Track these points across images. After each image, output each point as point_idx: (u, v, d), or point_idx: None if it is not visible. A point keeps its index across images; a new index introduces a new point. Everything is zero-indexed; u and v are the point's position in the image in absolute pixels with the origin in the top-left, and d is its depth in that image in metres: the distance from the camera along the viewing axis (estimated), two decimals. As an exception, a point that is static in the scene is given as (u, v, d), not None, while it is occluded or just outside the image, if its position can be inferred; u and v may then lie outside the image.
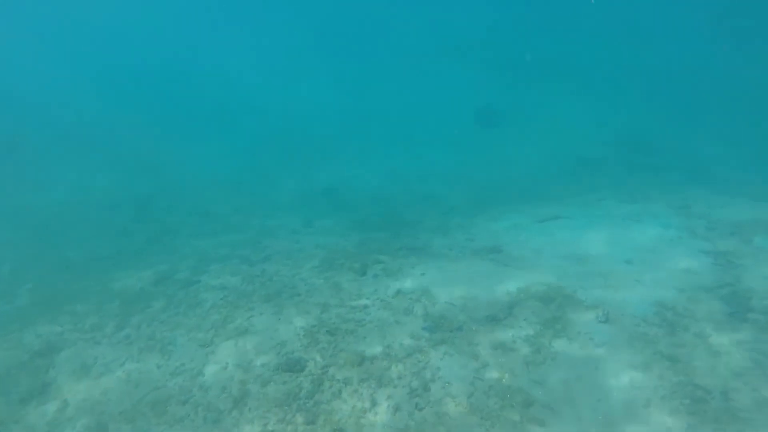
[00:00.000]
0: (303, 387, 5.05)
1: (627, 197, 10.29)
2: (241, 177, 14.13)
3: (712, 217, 8.55)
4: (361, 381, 5.06)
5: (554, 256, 7.43)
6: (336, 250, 8.44)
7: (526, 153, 15.14)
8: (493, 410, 4.61)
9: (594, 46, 22.57)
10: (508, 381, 4.99)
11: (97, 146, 14.54)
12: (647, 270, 6.83)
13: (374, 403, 4.79)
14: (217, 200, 12.55)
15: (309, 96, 19.75)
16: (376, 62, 21.93)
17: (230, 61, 21.79)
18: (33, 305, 7.36)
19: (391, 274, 7.10)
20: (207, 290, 7.14)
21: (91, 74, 18.93)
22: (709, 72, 18.92)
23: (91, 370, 5.61)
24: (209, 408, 4.93)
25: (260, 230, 10.47)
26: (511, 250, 7.75)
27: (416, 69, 21.73)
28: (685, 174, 12.36)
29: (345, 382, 5.06)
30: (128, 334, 6.10)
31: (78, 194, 12.47)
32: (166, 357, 5.70)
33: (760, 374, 4.80)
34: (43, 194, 12.34)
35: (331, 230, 10.28)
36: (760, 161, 12.57)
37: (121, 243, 10.02)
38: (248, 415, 4.79)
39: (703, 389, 4.67)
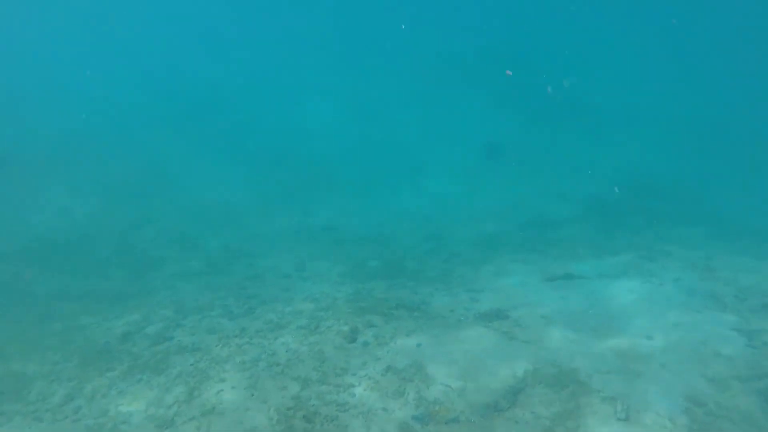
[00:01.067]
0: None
1: (645, 252, 9.51)
2: (238, 205, 13.53)
3: (740, 284, 7.75)
4: (337, 490, 4.28)
5: (566, 326, 6.64)
6: (327, 305, 7.71)
7: (536, 191, 14.46)
8: None
9: (609, 83, 22.07)
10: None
11: (87, 165, 14.04)
12: (672, 350, 6.02)
13: None
14: (208, 231, 11.92)
15: (318, 118, 19.30)
16: (388, 87, 21.53)
17: (236, 76, 21.48)
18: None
19: (383, 343, 6.34)
20: (178, 351, 6.41)
21: (83, 86, 18.62)
22: (737, 114, 18.29)
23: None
24: None
25: (249, 273, 9.78)
26: (519, 316, 6.98)
27: (428, 97, 21.30)
28: (707, 226, 11.59)
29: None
30: (78, 407, 5.36)
31: (62, 219, 11.90)
32: (118, 439, 4.95)
33: None
34: (25, 218, 11.78)
35: (326, 276, 9.57)
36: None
37: (97, 280, 9.36)
38: None
39: None
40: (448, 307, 7.49)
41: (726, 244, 10.12)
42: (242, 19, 25.47)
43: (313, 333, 6.68)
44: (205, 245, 11.16)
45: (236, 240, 11.54)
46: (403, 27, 26.32)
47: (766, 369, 5.73)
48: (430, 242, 11.52)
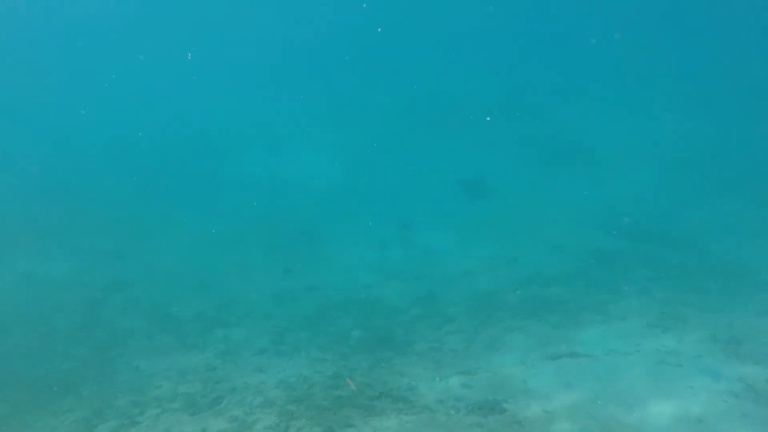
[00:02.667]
0: None
1: (656, 317, 8.72)
2: (216, 266, 12.76)
3: (768, 361, 6.96)
4: None
5: (573, 423, 5.80)
6: (301, 394, 6.85)
7: (531, 242, 13.76)
8: None
9: (603, 122, 21.85)
10: None
11: (55, 224, 13.39)
12: (697, 457, 5.18)
13: None
14: (183, 298, 11.11)
15: (299, 169, 18.79)
16: (373, 134, 21.21)
17: (213, 127, 21.11)
18: None
19: (360, 453, 5.49)
20: (123, 465, 5.53)
21: (50, 140, 18.18)
22: (742, 152, 17.89)
23: None
24: None
25: (222, 347, 8.94)
26: (518, 410, 6.13)
27: (414, 141, 20.96)
28: (720, 278, 10.84)
29: None
30: None
31: (25, 287, 11.12)
32: None
33: None
34: (-13, 287, 11.01)
35: (305, 350, 8.73)
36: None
37: (53, 361, 8.49)
38: None
39: None
40: (437, 396, 6.64)
41: (745, 300, 9.36)
42: (219, 67, 25.44)
43: (281, 438, 5.81)
44: (178, 314, 10.33)
45: (212, 307, 10.72)
46: (380, 30, 26.29)
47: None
48: (420, 305, 10.72)
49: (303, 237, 14.33)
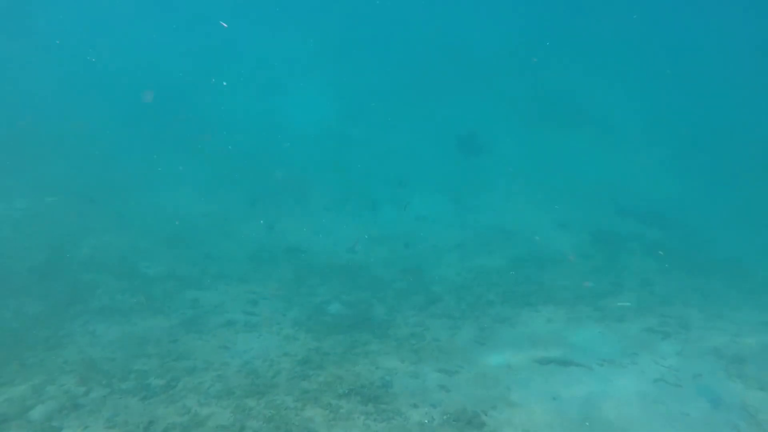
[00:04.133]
0: None
1: (657, 320, 8.09)
2: (194, 216, 11.93)
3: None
4: None
5: (556, 446, 5.27)
6: (264, 383, 6.28)
7: (533, 214, 12.92)
8: None
9: (621, 87, 20.21)
10: None
11: (22, 162, 12.37)
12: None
13: None
14: (155, 251, 10.37)
15: (294, 113, 17.43)
16: (375, 82, 19.58)
17: (200, 64, 19.35)
18: None
19: (318, 468, 4.95)
20: (55, 461, 4.99)
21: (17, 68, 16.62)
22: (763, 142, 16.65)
23: None
24: None
25: (188, 314, 8.30)
26: (497, 426, 5.58)
27: (418, 95, 19.40)
28: (727, 277, 10.18)
29: None
30: None
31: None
32: None
33: None
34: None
35: (277, 325, 8.12)
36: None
37: (4, 318, 7.86)
38: None
39: None
40: (411, 398, 6.07)
41: (752, 305, 8.73)
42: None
43: (234, 441, 5.26)
44: (147, 271, 9.62)
45: (185, 264, 10.00)
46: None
47: None
48: (406, 278, 10.05)
49: (291, 188, 13.39)
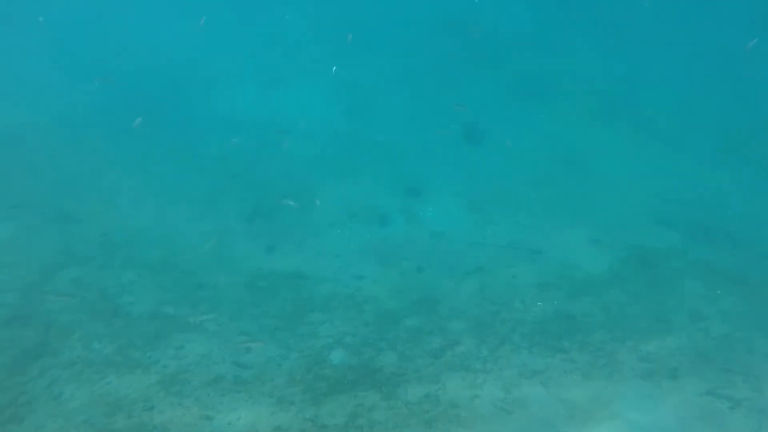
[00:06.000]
0: None
1: (719, 375, 6.80)
2: (188, 236, 10.85)
3: None
4: None
5: None
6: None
7: (560, 228, 11.50)
8: None
9: (666, 70, 18.21)
10: None
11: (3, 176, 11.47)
12: None
13: None
14: (139, 283, 9.33)
15: (295, 110, 16.06)
16: (386, 74, 18.05)
17: (197, 54, 18.04)
18: None
19: None
20: None
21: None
22: None
23: None
24: None
25: (170, 369, 7.32)
26: None
27: (425, 80, 17.81)
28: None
29: None
30: None
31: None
32: None
33: None
34: None
35: (270, 380, 7.10)
36: None
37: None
38: None
39: None
40: (424, 503, 4.99)
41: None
42: None
43: None
44: (130, 309, 8.65)
45: (173, 298, 8.99)
46: None
47: None
48: (419, 312, 8.89)
49: (292, 198, 12.18)
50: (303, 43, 18.92)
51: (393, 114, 16.22)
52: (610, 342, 7.86)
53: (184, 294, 9.18)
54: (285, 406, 6.60)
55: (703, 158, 14.42)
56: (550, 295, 9.33)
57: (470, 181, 13.32)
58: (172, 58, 17.28)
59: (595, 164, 14.08)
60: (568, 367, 7.23)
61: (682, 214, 12.08)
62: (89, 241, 10.30)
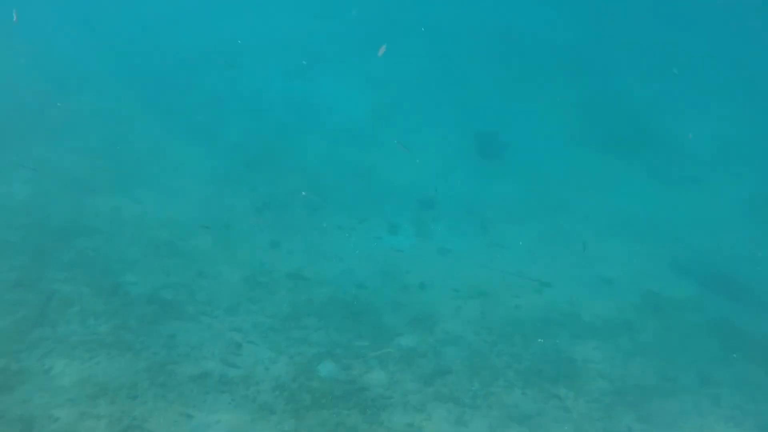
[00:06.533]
0: None
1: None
2: (194, 227, 10.72)
3: None
4: None
5: None
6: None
7: (571, 262, 11.16)
8: None
9: (699, 103, 17.53)
10: None
11: (30, 138, 11.60)
12: None
13: None
14: (142, 266, 9.32)
15: (317, 100, 15.83)
16: (413, 73, 17.72)
17: (227, 37, 17.91)
18: None
19: None
20: None
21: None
22: None
23: None
24: None
25: (160, 357, 7.31)
26: None
27: (451, 84, 17.43)
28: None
29: None
30: None
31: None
32: None
33: None
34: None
35: (256, 384, 7.04)
36: None
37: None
38: None
39: None
40: None
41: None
42: None
43: None
44: (130, 289, 8.67)
45: (173, 283, 8.99)
46: None
47: None
48: (415, 331, 8.71)
49: (304, 198, 12.10)
50: (334, 31, 18.65)
51: (419, 120, 15.96)
52: (609, 394, 7.57)
53: (184, 280, 9.17)
54: (266, 415, 6.53)
55: (733, 205, 13.81)
56: (552, 332, 9.05)
57: (486, 200, 13.04)
58: (202, 38, 17.23)
59: (613, 198, 13.60)
60: (560, 416, 6.98)
61: (703, 262, 11.60)
62: (102, 213, 10.40)
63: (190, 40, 17.07)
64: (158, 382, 6.83)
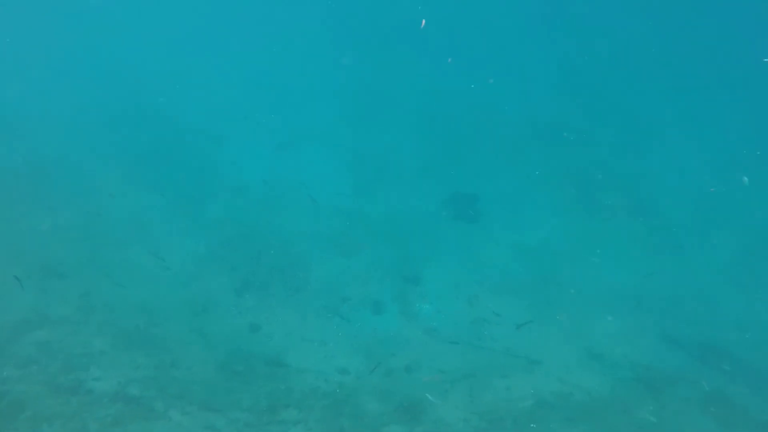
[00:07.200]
0: None
1: None
2: (168, 310, 10.27)
3: None
4: None
5: None
6: None
7: (561, 334, 10.93)
8: None
9: (684, 166, 18.21)
10: None
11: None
12: None
13: None
14: (108, 357, 8.79)
15: (298, 174, 15.93)
16: (386, 138, 18.14)
17: (205, 110, 18.27)
18: None
19: None
20: None
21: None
22: None
23: None
24: None
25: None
26: None
27: (436, 152, 17.86)
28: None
29: None
30: None
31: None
32: None
33: None
34: None
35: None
36: None
37: None
38: None
39: None
40: None
41: None
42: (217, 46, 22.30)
43: None
44: (93, 385, 8.03)
45: (141, 376, 8.39)
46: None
47: None
48: (401, 421, 8.20)
49: (285, 273, 11.82)
50: (318, 106, 19.28)
51: (402, 191, 16.16)
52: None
53: (154, 373, 8.60)
54: None
55: (725, 271, 13.88)
56: (545, 416, 8.62)
57: (473, 272, 12.91)
58: (184, 111, 17.55)
59: (598, 264, 13.63)
60: None
61: (692, 332, 11.47)
62: (68, 300, 9.90)
63: (174, 112, 17.33)
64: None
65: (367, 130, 18.82)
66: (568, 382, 9.47)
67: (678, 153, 19.61)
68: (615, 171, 18.48)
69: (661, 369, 10.11)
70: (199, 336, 9.71)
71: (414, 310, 11.20)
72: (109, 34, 20.77)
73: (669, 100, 22.32)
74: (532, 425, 8.33)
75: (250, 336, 9.99)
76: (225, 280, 11.37)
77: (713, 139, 20.65)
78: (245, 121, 17.71)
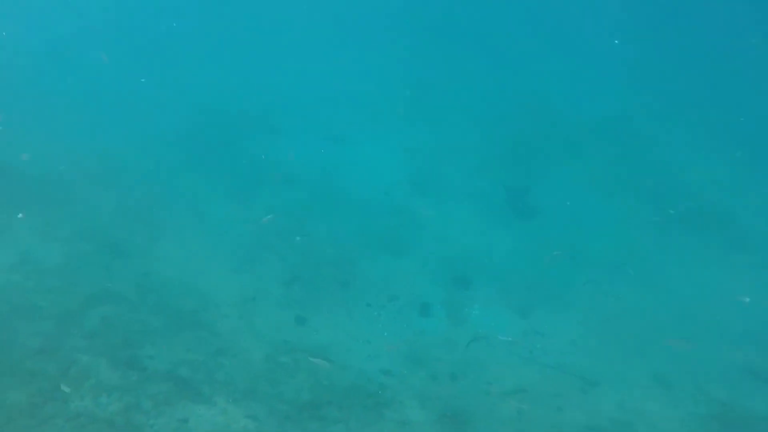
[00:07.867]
0: None
1: None
2: (218, 297, 10.53)
3: None
4: None
5: None
6: None
7: (622, 356, 10.10)
8: None
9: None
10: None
11: (66, 196, 11.99)
12: None
13: None
14: (163, 337, 9.13)
15: (354, 169, 15.82)
16: (446, 134, 17.65)
17: (260, 97, 18.44)
18: None
19: None
20: None
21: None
22: None
23: None
24: None
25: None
26: None
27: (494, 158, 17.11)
28: None
29: None
30: None
31: (21, 270, 9.75)
32: None
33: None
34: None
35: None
36: None
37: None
38: None
39: None
40: None
41: None
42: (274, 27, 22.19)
43: None
44: (148, 362, 8.37)
45: (192, 359, 8.64)
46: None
47: None
48: (443, 430, 7.87)
49: (333, 268, 11.78)
50: (373, 101, 19.07)
51: (455, 191, 15.66)
52: None
53: (203, 357, 8.81)
54: None
55: None
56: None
57: (526, 281, 12.26)
58: (240, 102, 17.85)
59: (673, 285, 12.48)
60: None
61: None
62: (129, 278, 10.37)
63: (232, 101, 17.71)
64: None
65: (423, 126, 18.42)
66: (629, 410, 8.72)
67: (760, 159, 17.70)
68: (685, 177, 16.97)
69: (744, 407, 9.06)
70: (247, 325, 9.87)
71: (463, 315, 10.79)
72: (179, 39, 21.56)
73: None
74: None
75: (296, 328, 10.02)
76: (274, 271, 11.50)
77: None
78: (301, 114, 17.84)
